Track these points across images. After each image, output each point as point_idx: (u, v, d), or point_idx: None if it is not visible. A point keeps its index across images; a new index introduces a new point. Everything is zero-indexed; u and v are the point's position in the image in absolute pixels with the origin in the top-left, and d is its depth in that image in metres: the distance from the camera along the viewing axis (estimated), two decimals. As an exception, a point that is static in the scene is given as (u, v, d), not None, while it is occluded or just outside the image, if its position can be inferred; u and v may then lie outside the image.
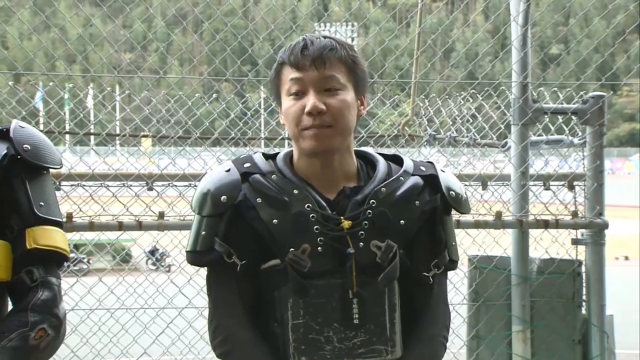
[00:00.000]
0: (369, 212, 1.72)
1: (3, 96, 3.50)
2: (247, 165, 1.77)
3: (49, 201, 1.72)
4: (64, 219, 1.82)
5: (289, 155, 1.82)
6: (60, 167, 1.83)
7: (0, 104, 3.51)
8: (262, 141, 4.52)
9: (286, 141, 4.11)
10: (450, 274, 1.95)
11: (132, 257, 5.76)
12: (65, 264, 1.78)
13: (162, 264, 5.93)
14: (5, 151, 1.69)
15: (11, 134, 1.71)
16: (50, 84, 3.82)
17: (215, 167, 1.92)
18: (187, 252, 1.80)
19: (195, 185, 2.07)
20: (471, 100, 4.12)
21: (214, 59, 4.18)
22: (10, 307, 1.71)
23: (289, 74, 1.74)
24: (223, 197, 1.72)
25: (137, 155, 4.06)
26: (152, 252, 5.52)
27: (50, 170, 1.76)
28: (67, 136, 3.92)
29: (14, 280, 1.67)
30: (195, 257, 1.78)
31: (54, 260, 1.71)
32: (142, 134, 3.85)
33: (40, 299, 1.64)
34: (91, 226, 3.32)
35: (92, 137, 4.01)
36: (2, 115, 3.50)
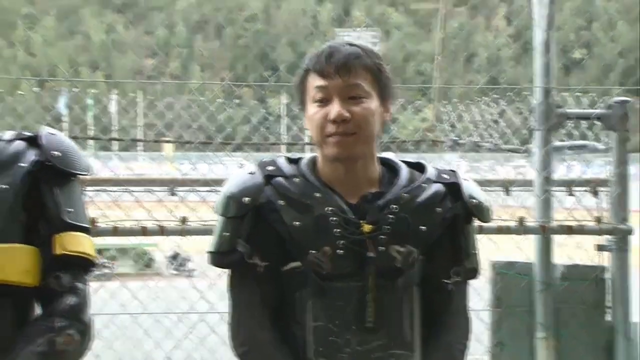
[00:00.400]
0: (390, 217, 1.72)
1: (28, 102, 3.54)
2: (270, 168, 1.77)
3: (77, 207, 1.73)
4: (89, 224, 1.83)
5: (313, 160, 1.82)
6: (89, 174, 1.84)
7: (24, 109, 3.55)
8: (284, 146, 4.53)
9: (307, 146, 4.11)
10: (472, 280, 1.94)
11: (155, 262, 5.80)
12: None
13: (184, 269, 5.96)
14: (34, 157, 1.71)
15: (41, 141, 1.73)
16: (74, 90, 3.86)
17: (239, 170, 1.93)
18: (209, 252, 1.80)
19: (217, 191, 2.08)
20: (494, 105, 4.10)
21: (235, 65, 4.19)
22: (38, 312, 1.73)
23: (314, 81, 1.74)
24: (245, 199, 1.73)
25: (159, 160, 4.09)
26: (174, 257, 5.55)
27: (79, 176, 1.78)
28: (91, 141, 3.96)
29: (42, 285, 1.68)
30: (217, 258, 1.79)
31: (82, 266, 1.72)
32: (164, 139, 3.88)
33: (67, 305, 1.65)
34: (115, 231, 3.34)
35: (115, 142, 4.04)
36: (27, 122, 3.54)
